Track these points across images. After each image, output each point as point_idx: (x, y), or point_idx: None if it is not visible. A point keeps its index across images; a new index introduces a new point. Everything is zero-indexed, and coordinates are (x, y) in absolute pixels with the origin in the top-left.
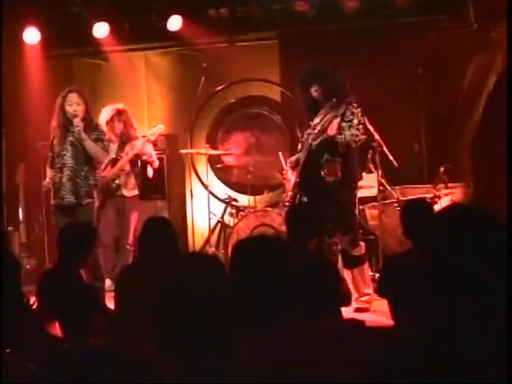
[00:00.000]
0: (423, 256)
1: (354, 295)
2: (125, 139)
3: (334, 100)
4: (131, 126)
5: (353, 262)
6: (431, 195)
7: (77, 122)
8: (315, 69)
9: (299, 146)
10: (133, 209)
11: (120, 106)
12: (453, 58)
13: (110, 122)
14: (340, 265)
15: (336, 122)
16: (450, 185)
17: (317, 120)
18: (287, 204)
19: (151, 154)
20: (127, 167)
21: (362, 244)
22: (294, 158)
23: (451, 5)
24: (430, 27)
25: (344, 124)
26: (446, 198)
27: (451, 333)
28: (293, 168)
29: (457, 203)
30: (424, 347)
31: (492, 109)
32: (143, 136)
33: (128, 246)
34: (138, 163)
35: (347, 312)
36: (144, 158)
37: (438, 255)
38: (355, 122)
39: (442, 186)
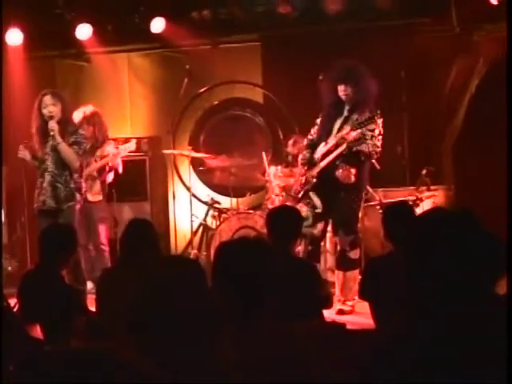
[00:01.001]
0: (404, 259)
1: (340, 298)
2: (95, 143)
3: (361, 104)
4: (102, 129)
5: (348, 264)
6: (413, 198)
7: (51, 124)
8: (350, 67)
9: (305, 141)
10: (100, 213)
11: (89, 108)
12: (435, 61)
13: (80, 125)
14: (323, 266)
15: (359, 130)
16: (432, 187)
17: (338, 122)
18: (298, 195)
19: (118, 164)
20: (94, 173)
21: (359, 249)
22: (307, 155)
23: (434, 8)
24: (412, 30)
25: (368, 133)
26: (428, 200)
27: (431, 335)
28: (303, 165)
29: (438, 207)
30: (403, 350)
31: (474, 112)
32: (116, 147)
33: (102, 246)
34: (106, 170)
35: (330, 313)
36: (111, 165)
37: (418, 258)
38: (377, 132)
39: (424, 188)
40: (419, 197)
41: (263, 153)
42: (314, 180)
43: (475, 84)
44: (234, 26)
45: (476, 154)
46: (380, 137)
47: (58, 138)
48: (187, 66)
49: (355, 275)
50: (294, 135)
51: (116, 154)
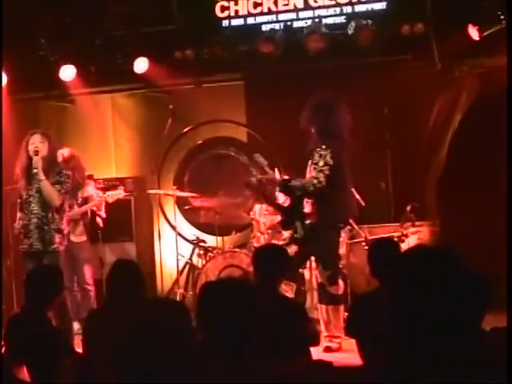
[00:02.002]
0: (388, 296)
1: (324, 333)
2: (75, 185)
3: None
4: (81, 171)
5: (328, 299)
6: (398, 234)
7: (35, 160)
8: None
9: None
10: (84, 254)
11: (66, 152)
12: (418, 97)
13: None
14: (309, 304)
15: (309, 163)
16: (416, 223)
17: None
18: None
19: (101, 209)
20: (77, 216)
21: (341, 285)
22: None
23: (415, 45)
24: (394, 67)
25: (314, 166)
26: (413, 236)
27: (415, 373)
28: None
29: (420, 245)
30: None
31: (457, 147)
32: (102, 190)
33: (87, 286)
34: (88, 212)
35: (317, 351)
36: (94, 209)
37: (401, 296)
38: (321, 164)
39: (409, 224)
40: (404, 233)
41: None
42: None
43: (458, 119)
44: (217, 66)
45: (460, 190)
46: (325, 167)
47: (41, 175)
48: (171, 106)
49: (338, 311)
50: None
51: (103, 201)
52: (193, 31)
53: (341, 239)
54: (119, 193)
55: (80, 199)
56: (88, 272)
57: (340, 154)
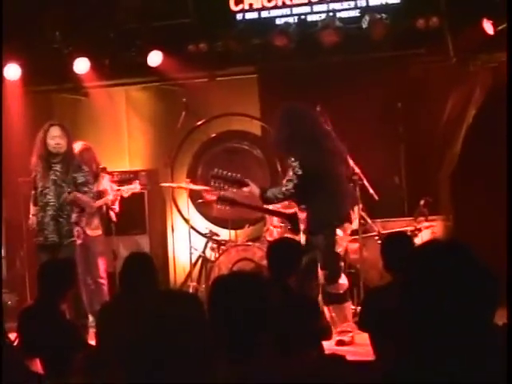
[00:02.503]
0: (400, 291)
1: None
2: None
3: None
4: (95, 164)
5: (328, 299)
6: (412, 228)
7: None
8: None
9: None
10: (98, 247)
11: (79, 145)
12: (432, 91)
13: None
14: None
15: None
16: (430, 218)
17: None
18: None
19: (115, 204)
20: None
21: (343, 283)
22: None
23: (430, 39)
24: (408, 61)
25: (286, 177)
26: (426, 230)
27: (426, 368)
28: None
29: (434, 240)
30: (399, 382)
31: (471, 142)
32: (116, 183)
33: (101, 280)
34: (103, 207)
35: (329, 345)
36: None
37: (414, 292)
38: (290, 174)
39: (422, 218)
40: (418, 227)
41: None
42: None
43: (472, 114)
44: (231, 59)
45: (473, 184)
46: (294, 177)
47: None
48: (184, 99)
49: (342, 309)
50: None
51: (118, 195)
52: (207, 24)
53: (337, 237)
54: (135, 187)
55: (96, 193)
56: (102, 265)
57: (313, 159)
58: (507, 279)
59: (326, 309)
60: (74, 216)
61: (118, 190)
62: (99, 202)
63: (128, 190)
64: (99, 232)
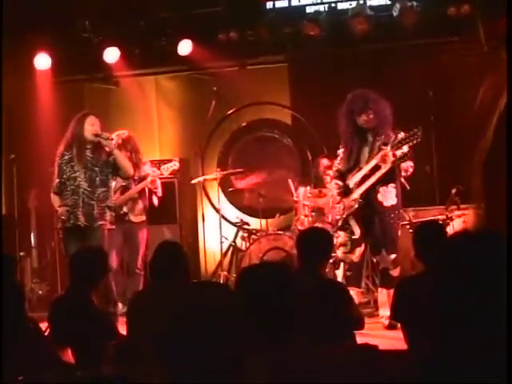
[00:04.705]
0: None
1: (386, 314)
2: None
3: (383, 128)
4: (137, 153)
5: (392, 282)
6: (443, 217)
7: (106, 134)
8: (365, 97)
9: (332, 173)
10: (140, 234)
11: (124, 133)
12: (463, 80)
13: None
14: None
15: (391, 152)
16: (462, 206)
17: (366, 149)
18: (338, 223)
19: (158, 186)
20: (134, 194)
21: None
22: (341, 184)
23: (461, 27)
24: (439, 49)
25: (398, 152)
26: (458, 219)
27: (458, 360)
28: (339, 193)
29: (465, 231)
30: (431, 374)
31: (503, 130)
32: (157, 168)
33: (137, 270)
34: (146, 190)
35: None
36: (150, 186)
37: (444, 284)
38: (405, 149)
39: (454, 207)
40: (449, 216)
41: (289, 180)
42: (357, 205)
43: (504, 102)
44: (261, 48)
45: (505, 173)
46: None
47: (113, 146)
48: (214, 88)
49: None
50: (322, 156)
51: (158, 176)
52: (237, 13)
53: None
54: (174, 164)
55: (137, 178)
56: (141, 254)
57: None
58: (507, 277)
59: (383, 292)
60: (110, 200)
61: (159, 169)
62: (139, 186)
63: (167, 168)
64: (143, 218)
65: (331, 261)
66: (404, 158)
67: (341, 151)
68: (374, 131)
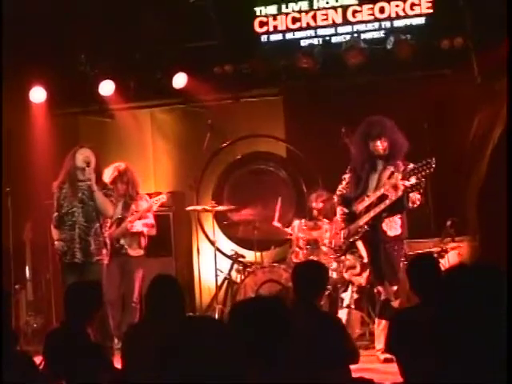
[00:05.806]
0: (429, 312)
1: (381, 346)
2: (128, 199)
3: (395, 157)
4: (135, 185)
5: (391, 313)
6: (438, 249)
7: (89, 171)
8: (381, 123)
9: (336, 198)
10: (137, 267)
11: (121, 165)
12: (458, 111)
13: (113, 183)
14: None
15: (402, 182)
16: (456, 239)
17: (375, 177)
18: (341, 247)
19: (152, 222)
20: (134, 228)
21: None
22: (346, 210)
23: (455, 59)
24: (434, 81)
25: (407, 182)
26: (453, 252)
27: None
28: (344, 219)
29: (463, 264)
30: None
31: (497, 161)
32: (147, 200)
33: (133, 304)
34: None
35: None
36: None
37: (444, 318)
38: (413, 180)
39: (449, 239)
40: (444, 248)
41: (278, 203)
42: (363, 230)
43: (498, 133)
44: (256, 81)
45: (500, 204)
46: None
47: (95, 186)
48: (209, 121)
49: None
50: (317, 189)
51: (148, 208)
52: (232, 46)
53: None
54: (162, 197)
55: (134, 213)
56: (137, 288)
57: None
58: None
59: (382, 323)
60: (105, 234)
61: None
62: (131, 218)
63: (155, 201)
64: (141, 252)
65: (339, 285)
66: (417, 186)
67: (347, 176)
68: (385, 159)
